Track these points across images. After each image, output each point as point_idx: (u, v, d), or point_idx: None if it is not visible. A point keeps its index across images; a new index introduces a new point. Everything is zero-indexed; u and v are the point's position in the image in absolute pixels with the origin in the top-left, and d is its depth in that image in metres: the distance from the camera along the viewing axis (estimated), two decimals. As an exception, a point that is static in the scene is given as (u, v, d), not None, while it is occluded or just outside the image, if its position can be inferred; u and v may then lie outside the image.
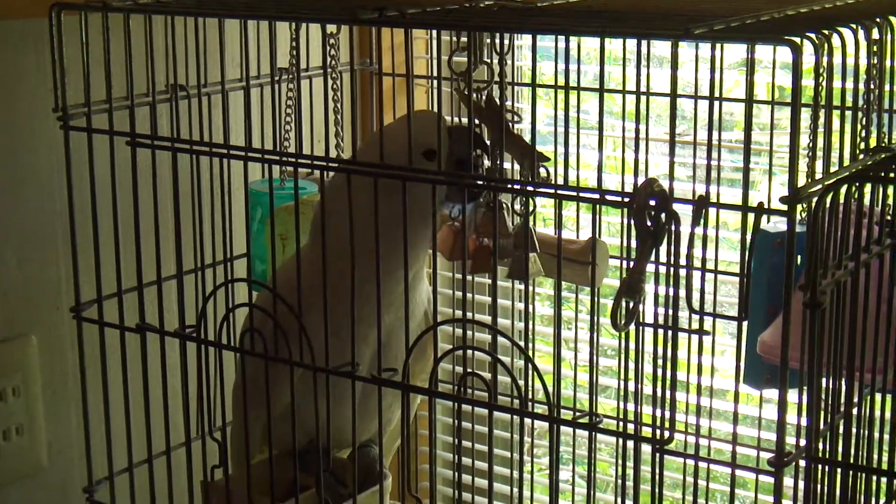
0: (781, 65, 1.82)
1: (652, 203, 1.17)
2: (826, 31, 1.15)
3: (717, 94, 1.44)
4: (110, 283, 1.57)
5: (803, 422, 1.20)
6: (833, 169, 1.21)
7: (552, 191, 1.26)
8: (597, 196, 1.22)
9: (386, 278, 1.40)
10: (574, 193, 1.25)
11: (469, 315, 1.86)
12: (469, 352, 1.34)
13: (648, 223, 1.18)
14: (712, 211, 1.57)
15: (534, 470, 2.06)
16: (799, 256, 1.53)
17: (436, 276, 1.36)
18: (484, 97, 1.47)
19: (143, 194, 1.53)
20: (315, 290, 1.41)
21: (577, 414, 1.27)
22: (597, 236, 1.64)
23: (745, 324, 1.62)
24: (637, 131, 1.25)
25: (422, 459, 2.24)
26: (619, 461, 1.34)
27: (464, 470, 1.99)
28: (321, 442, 1.47)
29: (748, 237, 1.22)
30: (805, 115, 1.70)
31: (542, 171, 1.43)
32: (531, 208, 1.46)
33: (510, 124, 1.46)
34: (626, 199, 1.18)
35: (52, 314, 1.77)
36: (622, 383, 1.28)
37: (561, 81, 1.75)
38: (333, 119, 1.81)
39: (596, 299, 1.32)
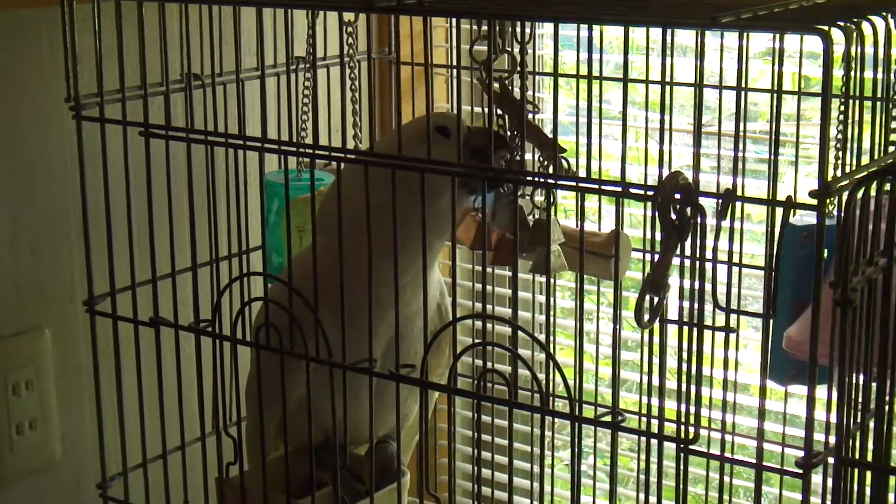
0: (807, 54, 1.78)
1: (677, 196, 1.14)
2: (857, 20, 1.12)
3: (741, 85, 1.40)
4: (124, 276, 1.55)
5: (831, 418, 1.17)
6: (862, 161, 1.18)
7: (575, 183, 1.23)
8: (620, 189, 1.18)
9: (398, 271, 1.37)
10: (597, 186, 1.21)
11: (488, 308, 1.84)
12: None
13: (673, 217, 1.14)
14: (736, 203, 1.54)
15: (554, 464, 2.03)
16: (826, 250, 1.51)
17: (455, 268, 1.33)
18: (500, 87, 1.44)
19: (156, 185, 1.50)
20: (327, 284, 1.38)
21: (600, 412, 1.24)
22: (618, 228, 1.62)
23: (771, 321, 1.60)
24: (662, 122, 1.21)
25: (440, 453, 2.21)
26: (644, 458, 1.31)
27: (483, 464, 1.97)
28: (338, 438, 1.44)
29: (775, 231, 1.19)
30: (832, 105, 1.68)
31: (563, 163, 1.40)
32: (552, 201, 1.42)
33: (528, 115, 1.43)
34: (651, 193, 1.15)
35: (65, 307, 1.75)
36: (646, 379, 1.25)
37: (583, 71, 1.74)
38: (351, 109, 1.78)
39: (618, 293, 1.29)
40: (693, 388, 1.18)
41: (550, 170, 1.39)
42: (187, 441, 1.58)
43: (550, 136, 1.42)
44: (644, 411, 1.77)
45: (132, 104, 1.51)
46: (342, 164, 1.39)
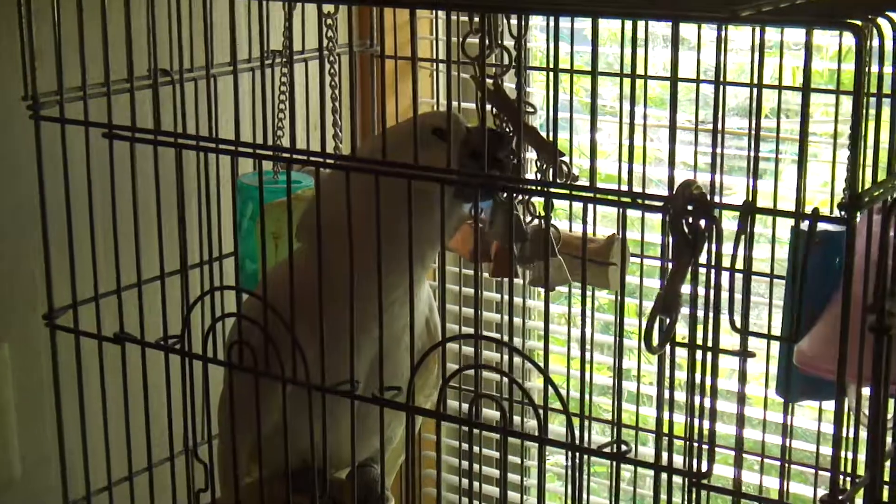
0: (792, 45, 1.70)
1: (689, 208, 1.04)
2: (890, 15, 1.02)
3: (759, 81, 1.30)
4: (87, 288, 1.47)
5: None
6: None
7: (585, 193, 1.12)
8: (629, 200, 1.08)
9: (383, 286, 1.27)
10: (608, 196, 1.11)
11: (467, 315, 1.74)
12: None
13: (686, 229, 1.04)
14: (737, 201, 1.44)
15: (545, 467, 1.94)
16: (836, 259, 1.42)
17: (444, 282, 1.23)
18: (493, 85, 1.34)
19: (121, 190, 1.42)
20: (305, 300, 1.28)
21: (603, 442, 1.14)
22: (618, 235, 1.52)
23: (779, 330, 1.50)
24: (673, 121, 1.11)
25: (425, 465, 2.13)
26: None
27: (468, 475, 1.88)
28: (317, 462, 1.34)
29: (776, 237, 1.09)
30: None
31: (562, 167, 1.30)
32: (552, 209, 1.32)
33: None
34: (661, 204, 1.05)
35: (26, 318, 1.66)
36: (655, 406, 1.15)
37: (577, 65, 1.64)
38: (331, 106, 1.69)
39: (622, 304, 1.19)
40: (706, 417, 1.08)
41: (548, 173, 1.29)
42: (155, 463, 1.49)
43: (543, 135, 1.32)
44: (638, 423, 1.70)
45: (95, 103, 1.43)
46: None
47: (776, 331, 1.63)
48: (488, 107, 1.31)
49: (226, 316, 1.36)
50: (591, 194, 1.11)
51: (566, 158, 1.33)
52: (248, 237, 1.65)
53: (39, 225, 1.50)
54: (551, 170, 1.28)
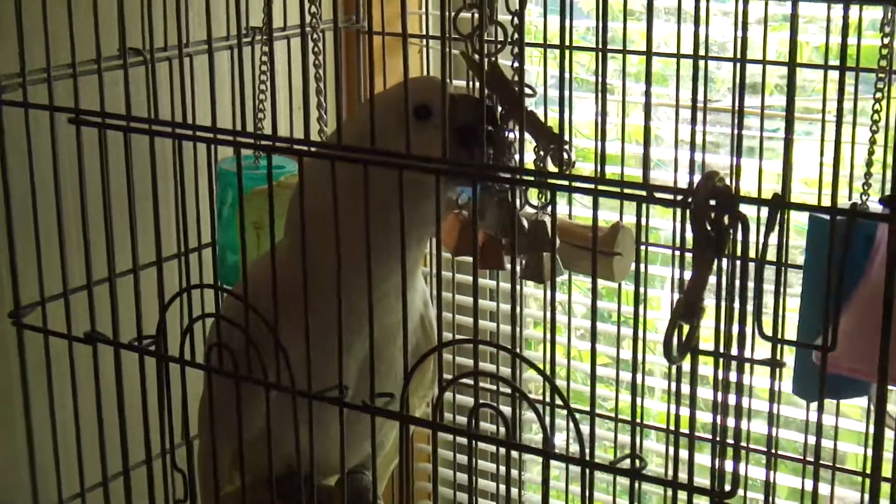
0: (809, 19, 1.70)
1: (712, 203, 0.95)
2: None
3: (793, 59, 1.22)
4: (56, 283, 1.40)
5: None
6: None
7: (591, 186, 1.03)
8: (643, 193, 0.99)
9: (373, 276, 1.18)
10: (618, 189, 1.02)
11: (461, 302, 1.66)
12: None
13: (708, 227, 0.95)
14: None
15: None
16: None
17: (440, 278, 1.14)
18: (490, 64, 1.25)
19: (90, 179, 1.35)
20: (289, 298, 1.20)
21: (617, 456, 1.05)
22: (622, 223, 1.44)
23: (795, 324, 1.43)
24: (694, 102, 1.03)
25: (418, 476, 2.07)
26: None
27: (461, 488, 1.82)
28: (302, 471, 1.26)
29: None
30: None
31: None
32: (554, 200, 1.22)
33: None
34: (681, 198, 0.96)
35: (-9, 315, 1.58)
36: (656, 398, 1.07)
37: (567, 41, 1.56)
38: (315, 87, 1.60)
39: (602, 287, 1.10)
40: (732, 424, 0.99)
41: (549, 160, 1.20)
42: (131, 467, 1.41)
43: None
44: (643, 419, 1.62)
45: (61, 86, 1.37)
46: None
47: (790, 324, 1.56)
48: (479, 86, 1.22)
49: (204, 316, 1.27)
50: (601, 187, 1.02)
51: (567, 146, 1.24)
52: (228, 227, 1.57)
53: (4, 217, 1.44)
54: (550, 157, 1.19)
